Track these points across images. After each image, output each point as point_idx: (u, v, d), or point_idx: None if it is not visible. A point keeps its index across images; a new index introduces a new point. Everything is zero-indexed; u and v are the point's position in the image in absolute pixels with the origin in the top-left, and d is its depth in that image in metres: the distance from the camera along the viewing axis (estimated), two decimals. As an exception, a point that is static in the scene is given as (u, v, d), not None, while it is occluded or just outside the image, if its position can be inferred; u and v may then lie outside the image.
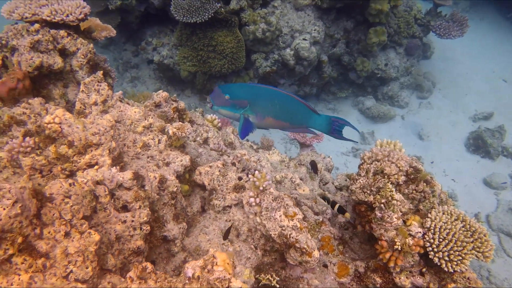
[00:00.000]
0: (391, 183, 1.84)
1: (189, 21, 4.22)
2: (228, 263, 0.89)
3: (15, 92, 1.92)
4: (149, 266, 0.93)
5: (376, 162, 1.96)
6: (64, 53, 2.24)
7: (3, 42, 2.15)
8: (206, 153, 2.28)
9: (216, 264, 0.87)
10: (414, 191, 1.86)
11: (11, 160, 1.52)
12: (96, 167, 1.47)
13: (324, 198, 2.00)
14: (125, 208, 1.45)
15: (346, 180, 2.85)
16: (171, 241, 1.67)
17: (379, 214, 1.74)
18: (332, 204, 1.92)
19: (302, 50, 4.73)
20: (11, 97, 1.92)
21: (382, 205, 1.75)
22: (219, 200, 1.90)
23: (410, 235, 1.71)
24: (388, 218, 1.72)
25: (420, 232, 1.71)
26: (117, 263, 1.21)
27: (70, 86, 2.26)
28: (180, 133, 1.90)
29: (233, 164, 2.03)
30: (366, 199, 1.81)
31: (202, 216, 1.92)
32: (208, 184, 1.94)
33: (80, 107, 1.82)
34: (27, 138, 1.50)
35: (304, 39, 4.75)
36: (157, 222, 1.61)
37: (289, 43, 4.83)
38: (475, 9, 8.95)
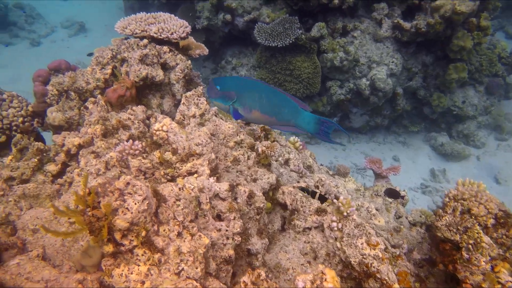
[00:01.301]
0: (478, 224, 1.79)
1: (270, 45, 4.37)
2: (337, 281, 0.92)
3: (123, 99, 2.10)
4: (263, 273, 0.98)
5: (462, 201, 1.92)
6: (164, 67, 2.41)
7: (114, 53, 2.36)
8: (287, 173, 2.33)
9: (326, 280, 0.91)
10: (504, 236, 1.79)
11: (120, 160, 1.66)
12: (195, 175, 1.56)
13: (303, 189, 1.94)
14: (219, 217, 1.53)
15: (420, 216, 2.79)
16: (253, 255, 1.72)
17: (466, 255, 1.69)
18: (312, 193, 1.87)
19: (379, 81, 4.71)
20: (118, 103, 2.10)
21: (470, 246, 1.70)
22: (300, 221, 1.93)
23: (499, 282, 1.64)
24: (475, 260, 1.67)
25: (511, 281, 1.64)
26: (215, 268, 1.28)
27: (165, 97, 2.43)
28: (269, 151, 1.97)
29: (316, 187, 2.06)
30: (452, 238, 1.77)
31: (281, 234, 1.96)
32: (290, 204, 1.98)
33: (180, 118, 1.95)
34: (137, 142, 1.64)
35: (381, 71, 4.74)
36: (243, 235, 1.67)
37: (365, 73, 4.83)
38: None
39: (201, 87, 2.06)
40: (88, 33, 9.84)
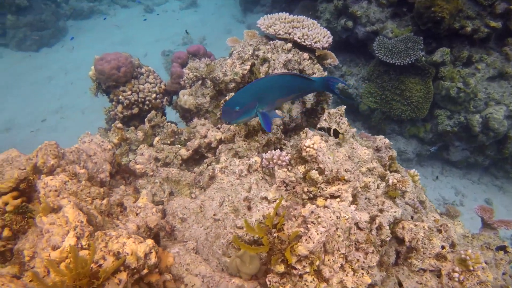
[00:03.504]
0: None
1: (388, 61, 4.25)
2: None
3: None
4: None
5: None
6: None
7: (253, 50, 2.41)
8: (402, 205, 2.26)
9: None
10: None
11: (265, 166, 1.70)
12: (338, 199, 1.56)
13: (321, 128, 1.91)
14: (354, 245, 1.52)
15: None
16: (370, 286, 1.70)
17: None
18: (328, 129, 1.83)
19: (493, 121, 4.43)
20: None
21: None
22: (418, 261, 1.88)
23: None
24: None
25: None
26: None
27: (295, 103, 2.44)
28: (400, 185, 1.92)
29: (439, 231, 1.99)
30: None
31: (394, 268, 1.92)
32: (409, 241, 1.93)
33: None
34: (284, 153, 1.66)
35: (499, 110, 4.45)
36: (367, 266, 1.65)
37: (480, 109, 4.56)
38: None
39: (344, 106, 2.05)
40: (198, 8, 10.17)
